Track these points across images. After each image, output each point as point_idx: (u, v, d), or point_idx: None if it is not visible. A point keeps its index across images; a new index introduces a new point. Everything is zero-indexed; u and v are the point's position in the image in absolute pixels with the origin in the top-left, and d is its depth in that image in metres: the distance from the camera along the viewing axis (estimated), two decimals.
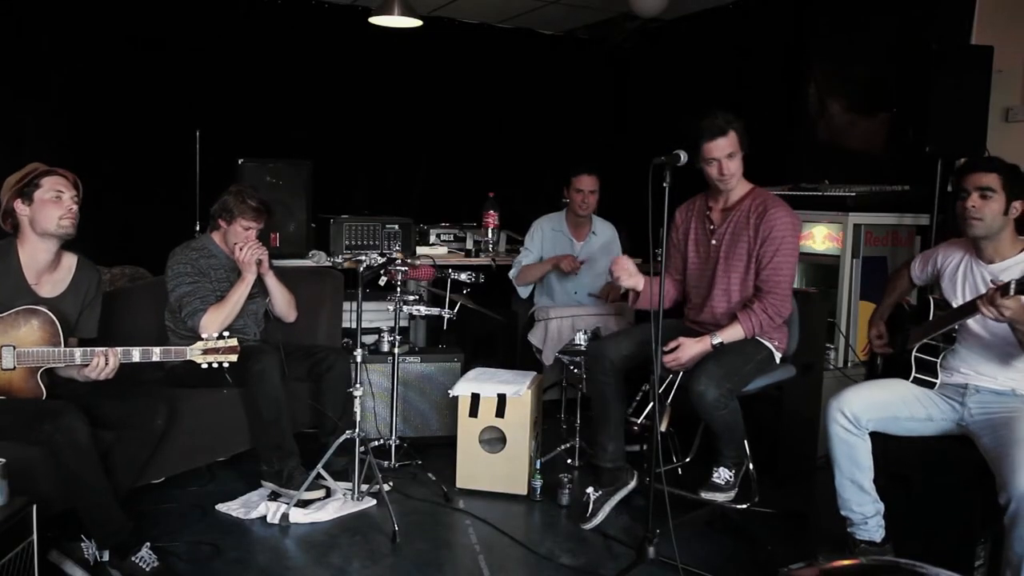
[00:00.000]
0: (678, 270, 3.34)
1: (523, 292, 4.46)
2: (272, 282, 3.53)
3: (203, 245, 3.49)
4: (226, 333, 2.83)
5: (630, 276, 3.18)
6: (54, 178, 2.76)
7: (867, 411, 2.66)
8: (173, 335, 3.41)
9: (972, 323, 2.63)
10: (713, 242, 3.15)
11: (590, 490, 3.22)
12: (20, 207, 2.73)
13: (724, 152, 2.98)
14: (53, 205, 2.74)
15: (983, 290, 2.59)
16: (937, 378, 2.71)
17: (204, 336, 2.80)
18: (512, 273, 4.41)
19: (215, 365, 2.79)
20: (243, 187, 3.51)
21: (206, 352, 2.77)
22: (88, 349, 2.70)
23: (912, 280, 3.00)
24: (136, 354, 2.72)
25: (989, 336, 2.62)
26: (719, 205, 3.15)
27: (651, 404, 2.84)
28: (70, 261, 2.89)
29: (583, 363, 3.49)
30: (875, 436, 2.68)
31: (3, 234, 2.82)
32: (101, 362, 2.67)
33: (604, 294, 4.33)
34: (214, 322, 3.21)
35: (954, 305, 2.68)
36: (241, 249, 3.35)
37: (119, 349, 2.70)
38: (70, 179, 2.80)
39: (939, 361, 2.71)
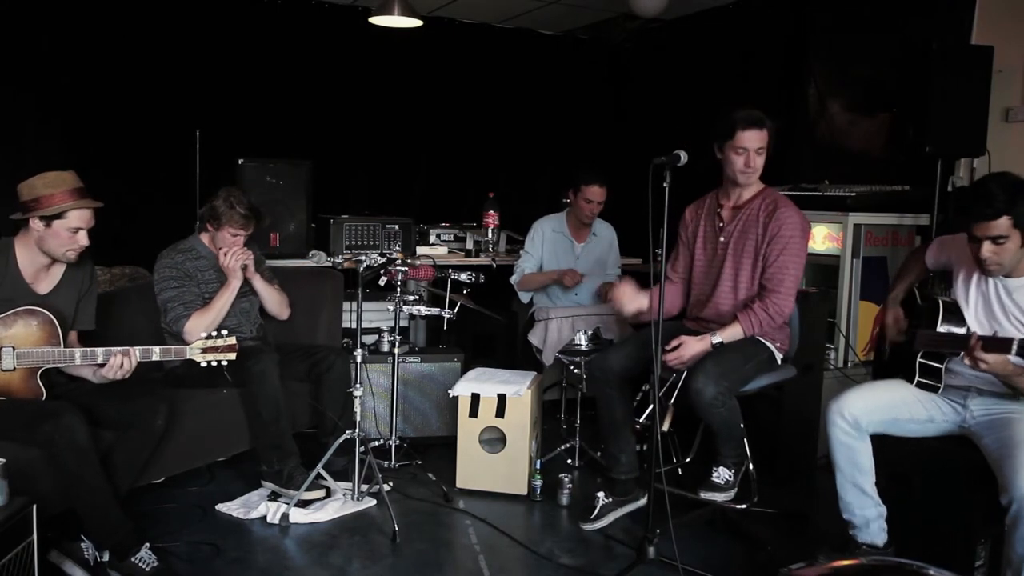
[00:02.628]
0: (685, 269, 3.30)
1: (523, 297, 4.44)
2: (260, 284, 3.53)
3: (191, 246, 3.48)
4: (224, 331, 2.83)
5: (632, 300, 3.13)
6: (82, 213, 2.74)
7: (867, 414, 2.64)
8: (169, 336, 3.40)
9: None
10: (721, 239, 3.13)
11: (600, 494, 3.22)
12: (36, 224, 2.72)
13: (756, 144, 2.98)
14: (68, 239, 2.75)
15: (995, 304, 2.56)
16: (941, 382, 2.68)
17: (190, 341, 2.80)
18: (514, 279, 4.38)
19: (214, 363, 2.79)
20: (233, 191, 3.43)
21: (205, 351, 2.78)
22: (88, 349, 2.70)
23: (927, 265, 2.91)
24: (136, 353, 2.73)
25: None
26: (730, 203, 3.14)
27: (652, 404, 2.84)
28: None
29: (586, 372, 3.48)
30: (876, 437, 2.68)
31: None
32: (117, 362, 2.67)
33: (603, 293, 4.32)
34: (198, 328, 3.19)
35: (963, 312, 2.63)
36: (225, 255, 3.34)
37: (136, 349, 2.71)
38: (94, 210, 2.78)
39: (943, 366, 2.66)
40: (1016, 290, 2.52)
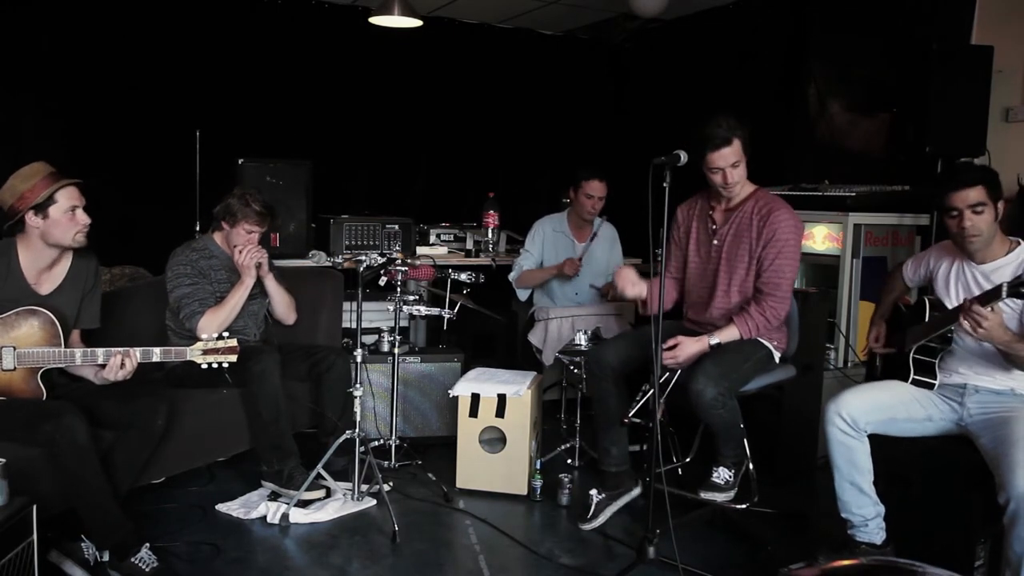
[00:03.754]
0: (678, 268, 3.33)
1: (522, 295, 4.45)
2: (272, 285, 3.53)
3: (204, 246, 3.49)
4: (226, 333, 2.83)
5: (634, 285, 3.17)
6: (69, 191, 2.74)
7: (865, 414, 2.66)
8: (173, 335, 3.41)
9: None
10: (715, 242, 3.14)
11: (593, 492, 3.22)
12: (33, 219, 2.72)
13: (728, 162, 2.96)
14: (69, 221, 2.74)
15: (975, 291, 2.61)
16: (936, 379, 2.72)
17: (203, 337, 2.80)
18: (512, 276, 4.39)
19: (215, 365, 2.79)
20: (247, 190, 3.48)
21: (206, 352, 2.77)
22: (89, 350, 2.71)
23: (905, 282, 3.02)
24: (136, 354, 2.73)
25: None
26: (722, 206, 3.14)
27: (649, 404, 2.84)
28: (67, 254, 2.88)
29: (584, 366, 3.48)
30: (874, 437, 2.68)
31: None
32: (118, 362, 2.67)
33: (605, 291, 4.32)
34: (212, 324, 3.21)
35: (948, 308, 2.68)
36: (240, 252, 3.34)
37: (136, 350, 2.71)
38: (80, 187, 2.78)
39: (937, 362, 2.71)
40: (991, 272, 2.62)
